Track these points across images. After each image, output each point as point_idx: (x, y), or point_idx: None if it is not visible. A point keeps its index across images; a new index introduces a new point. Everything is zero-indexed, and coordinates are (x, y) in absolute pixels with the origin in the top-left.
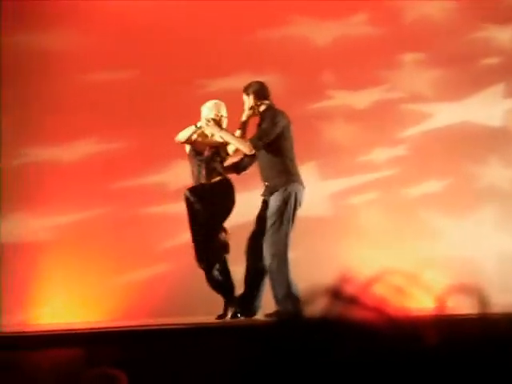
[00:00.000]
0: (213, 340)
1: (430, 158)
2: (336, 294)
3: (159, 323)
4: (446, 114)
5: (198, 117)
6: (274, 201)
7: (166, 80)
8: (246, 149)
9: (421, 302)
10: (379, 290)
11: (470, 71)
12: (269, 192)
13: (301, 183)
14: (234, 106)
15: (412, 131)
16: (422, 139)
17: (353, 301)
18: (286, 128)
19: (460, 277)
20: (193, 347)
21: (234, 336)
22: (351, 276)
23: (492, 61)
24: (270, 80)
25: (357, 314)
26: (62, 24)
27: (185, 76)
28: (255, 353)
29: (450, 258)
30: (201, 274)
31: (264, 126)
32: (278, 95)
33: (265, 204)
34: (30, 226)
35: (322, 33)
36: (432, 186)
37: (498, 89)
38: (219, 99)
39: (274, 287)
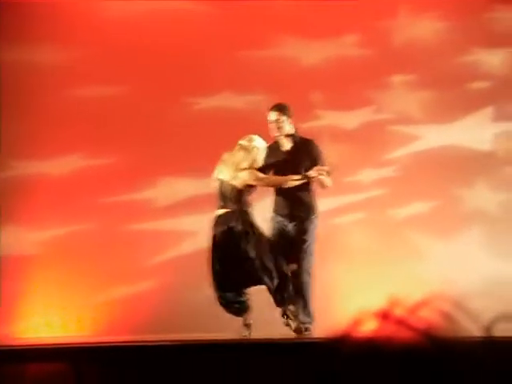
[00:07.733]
0: (198, 357)
1: (418, 180)
2: (385, 316)
3: (144, 340)
4: (434, 136)
5: (185, 133)
6: (309, 226)
7: (155, 96)
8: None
9: (466, 329)
10: (427, 314)
11: (458, 94)
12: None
13: None
14: (222, 125)
15: (400, 152)
16: (410, 161)
17: (401, 323)
18: None
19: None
20: (178, 364)
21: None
22: (400, 299)
23: (481, 84)
24: (258, 99)
25: (405, 336)
26: (53, 38)
27: (173, 93)
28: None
29: (434, 280)
30: (185, 291)
31: None
32: (266, 114)
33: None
34: (17, 239)
35: (311, 53)
36: (419, 207)
37: (487, 112)
38: (207, 117)
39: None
